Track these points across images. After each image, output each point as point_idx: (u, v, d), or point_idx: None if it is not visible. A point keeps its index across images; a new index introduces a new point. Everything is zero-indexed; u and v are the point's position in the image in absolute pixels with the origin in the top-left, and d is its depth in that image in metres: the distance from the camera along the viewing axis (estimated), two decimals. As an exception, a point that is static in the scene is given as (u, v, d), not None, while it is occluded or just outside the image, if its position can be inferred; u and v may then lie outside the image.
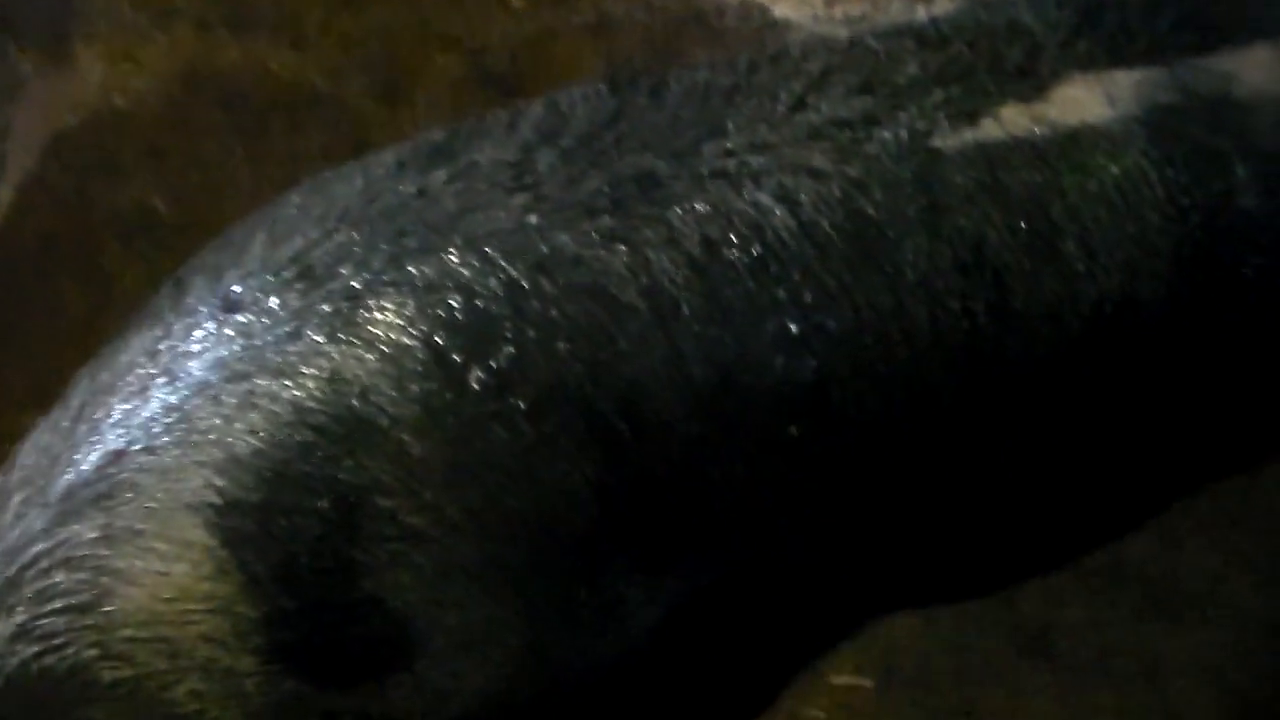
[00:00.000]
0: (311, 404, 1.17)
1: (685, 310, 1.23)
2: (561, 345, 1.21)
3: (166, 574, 1.15)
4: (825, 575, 1.41)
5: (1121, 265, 1.29)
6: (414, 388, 1.18)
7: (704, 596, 1.35)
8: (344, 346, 1.18)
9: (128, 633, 1.15)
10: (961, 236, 1.27)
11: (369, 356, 1.19)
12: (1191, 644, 1.80)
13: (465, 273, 1.21)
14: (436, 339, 1.19)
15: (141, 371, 1.23)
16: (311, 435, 1.17)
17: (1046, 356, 1.31)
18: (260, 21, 2.54)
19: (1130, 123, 1.30)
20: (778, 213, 1.25)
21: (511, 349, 1.20)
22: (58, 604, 1.16)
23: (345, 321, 1.19)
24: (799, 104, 1.31)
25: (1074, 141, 1.29)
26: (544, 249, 1.23)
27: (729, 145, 1.28)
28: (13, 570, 1.19)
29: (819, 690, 1.78)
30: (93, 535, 1.17)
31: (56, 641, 1.15)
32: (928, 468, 1.35)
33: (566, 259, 1.23)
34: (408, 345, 1.19)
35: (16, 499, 1.24)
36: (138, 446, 1.18)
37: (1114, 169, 1.29)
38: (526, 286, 1.21)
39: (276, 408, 1.18)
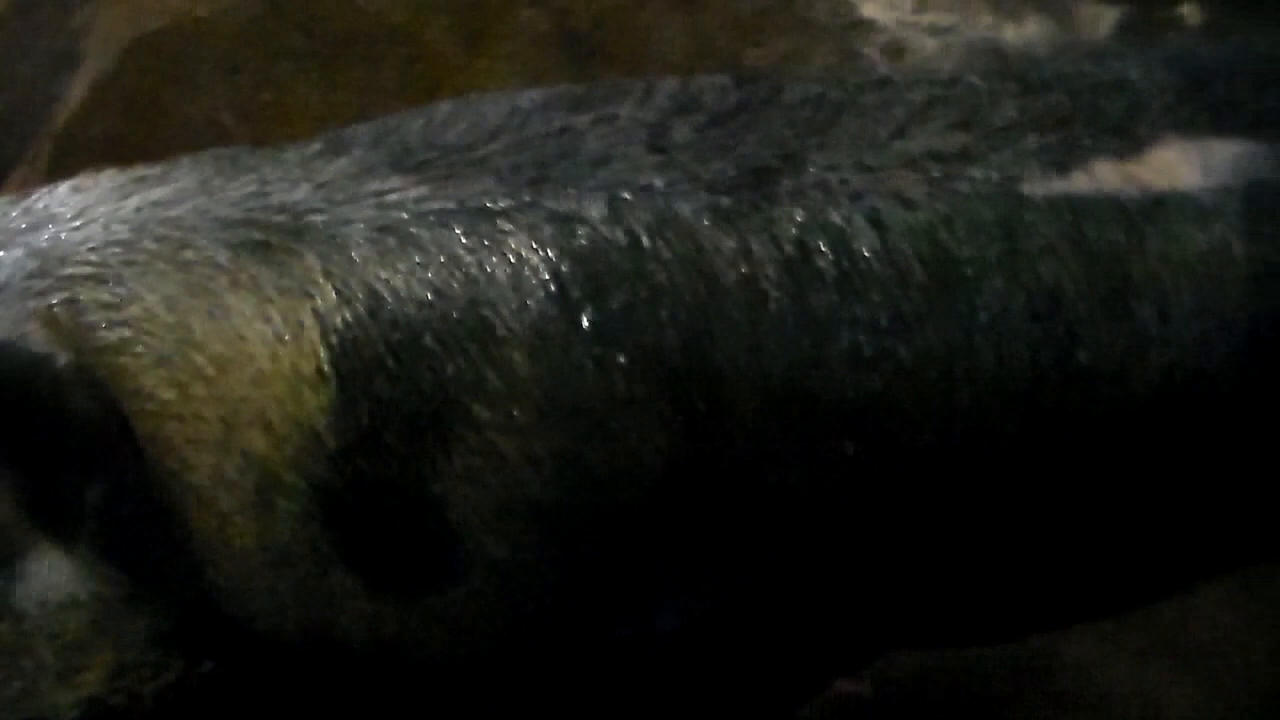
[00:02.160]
0: (444, 289, 1.18)
1: (773, 306, 1.23)
2: (664, 311, 1.21)
3: (266, 341, 1.16)
4: (845, 603, 1.41)
5: (1196, 336, 1.27)
6: (533, 308, 1.19)
7: (730, 604, 1.35)
8: (481, 250, 1.19)
9: (190, 361, 1.15)
10: (1039, 284, 1.25)
11: (501, 267, 1.19)
12: (1195, 697, 1.79)
13: (595, 215, 1.22)
14: (562, 268, 1.20)
15: (311, 184, 1.24)
16: (439, 318, 1.18)
17: (1107, 417, 1.29)
18: (350, -50, 2.59)
19: (1223, 194, 1.27)
20: (868, 233, 1.24)
21: (623, 299, 1.21)
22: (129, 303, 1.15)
23: (484, 227, 1.20)
24: (899, 132, 1.30)
25: (1163, 205, 1.26)
26: (667, 213, 1.23)
27: (833, 159, 1.28)
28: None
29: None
30: (225, 260, 1.17)
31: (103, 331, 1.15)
32: (970, 509, 1.34)
33: (683, 228, 1.23)
34: (536, 265, 1.19)
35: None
36: (299, 239, 1.19)
37: (1200, 238, 1.26)
38: (647, 245, 1.22)
39: (418, 278, 1.18)
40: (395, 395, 1.17)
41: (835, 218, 1.25)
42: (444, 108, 1.35)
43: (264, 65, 2.39)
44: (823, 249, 1.24)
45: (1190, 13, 2.41)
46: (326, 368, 1.16)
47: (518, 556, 1.23)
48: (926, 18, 2.40)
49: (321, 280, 1.18)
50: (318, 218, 1.20)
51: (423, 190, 1.23)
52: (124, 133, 2.30)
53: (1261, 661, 1.79)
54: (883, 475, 1.29)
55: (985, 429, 1.28)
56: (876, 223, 1.25)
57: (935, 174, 1.27)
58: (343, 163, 1.25)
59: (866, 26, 2.40)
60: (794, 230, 1.24)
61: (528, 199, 1.23)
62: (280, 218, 1.20)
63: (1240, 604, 1.82)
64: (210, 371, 1.15)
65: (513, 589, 1.25)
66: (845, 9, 2.42)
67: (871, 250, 1.24)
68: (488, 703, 1.39)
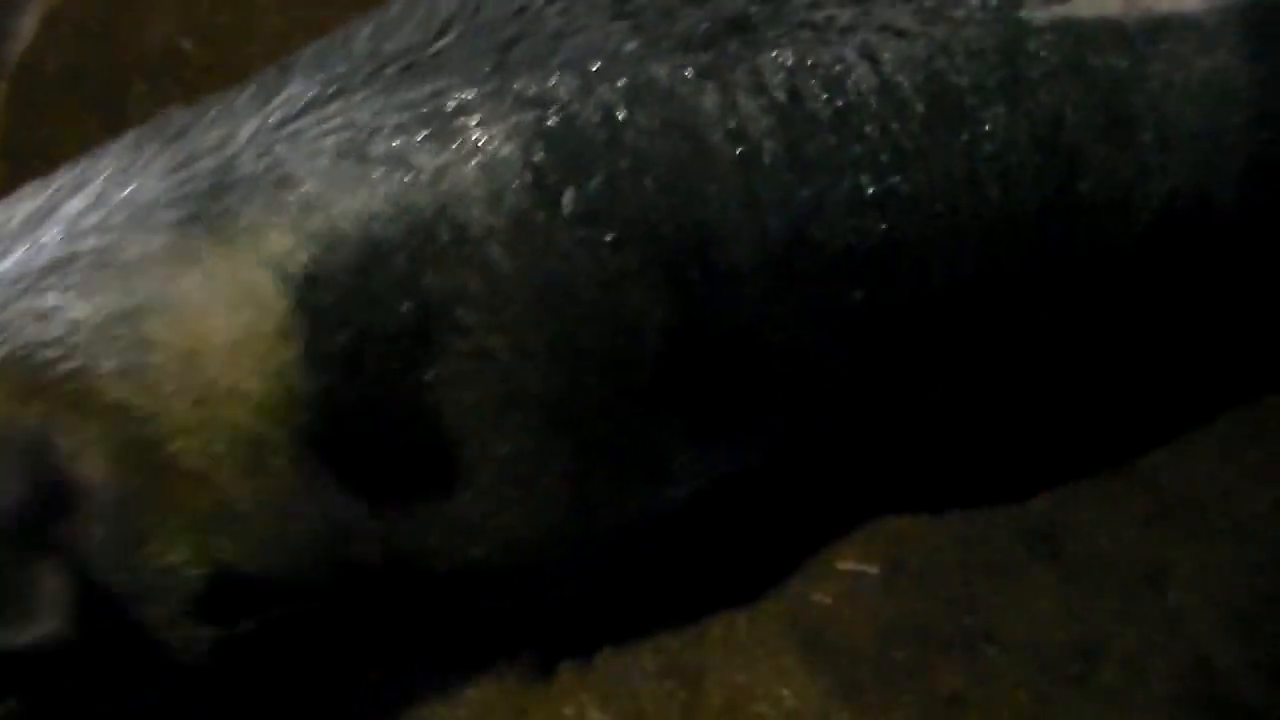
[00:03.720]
0: (410, 201, 1.15)
1: (767, 158, 1.19)
2: (649, 180, 1.18)
3: (219, 314, 1.13)
4: (853, 454, 1.38)
5: (1198, 162, 1.25)
6: (509, 201, 1.16)
7: (741, 476, 1.32)
8: (446, 152, 1.16)
9: (151, 363, 1.13)
10: (1041, 112, 1.22)
11: (469, 164, 1.16)
12: (1198, 554, 1.77)
13: (564, 93, 1.18)
14: (534, 156, 1.17)
15: (241, 136, 1.19)
16: (407, 232, 1.15)
17: (1111, 244, 1.28)
18: None
19: (1225, 16, 1.23)
20: (861, 69, 1.21)
21: (604, 176, 1.17)
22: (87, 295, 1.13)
23: (447, 126, 1.17)
24: None
25: (1164, 29, 1.23)
26: (641, 79, 1.19)
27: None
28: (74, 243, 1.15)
29: (826, 575, 1.75)
30: (158, 246, 1.14)
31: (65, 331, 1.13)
32: (981, 341, 1.33)
33: (660, 92, 1.19)
34: (506, 158, 1.16)
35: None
36: (233, 195, 1.16)
37: (1202, 63, 1.23)
38: (621, 116, 1.18)
39: (379, 197, 1.15)
40: (372, 320, 1.14)
41: (826, 56, 1.21)
42: (394, 8, 1.29)
43: None
44: (815, 91, 1.20)
45: None
46: (289, 319, 1.13)
47: (524, 448, 1.21)
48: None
49: (267, 231, 1.14)
50: (252, 167, 1.16)
51: (376, 104, 1.18)
52: (81, 64, 2.24)
53: (1259, 510, 1.78)
54: (891, 319, 1.26)
55: (993, 261, 1.26)
56: (869, 56, 1.21)
57: (930, 2, 1.22)
58: (281, 99, 1.21)
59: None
60: (783, 76, 1.20)
61: (490, 88, 1.18)
62: (207, 182, 1.16)
63: (1241, 456, 1.81)
64: (173, 367, 1.12)
65: (523, 480, 1.23)
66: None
67: (867, 86, 1.20)
68: (502, 599, 1.37)
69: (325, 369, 1.14)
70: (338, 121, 1.17)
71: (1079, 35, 1.22)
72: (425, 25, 1.24)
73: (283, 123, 1.18)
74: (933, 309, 1.28)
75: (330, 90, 1.20)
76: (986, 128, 1.22)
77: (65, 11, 2.28)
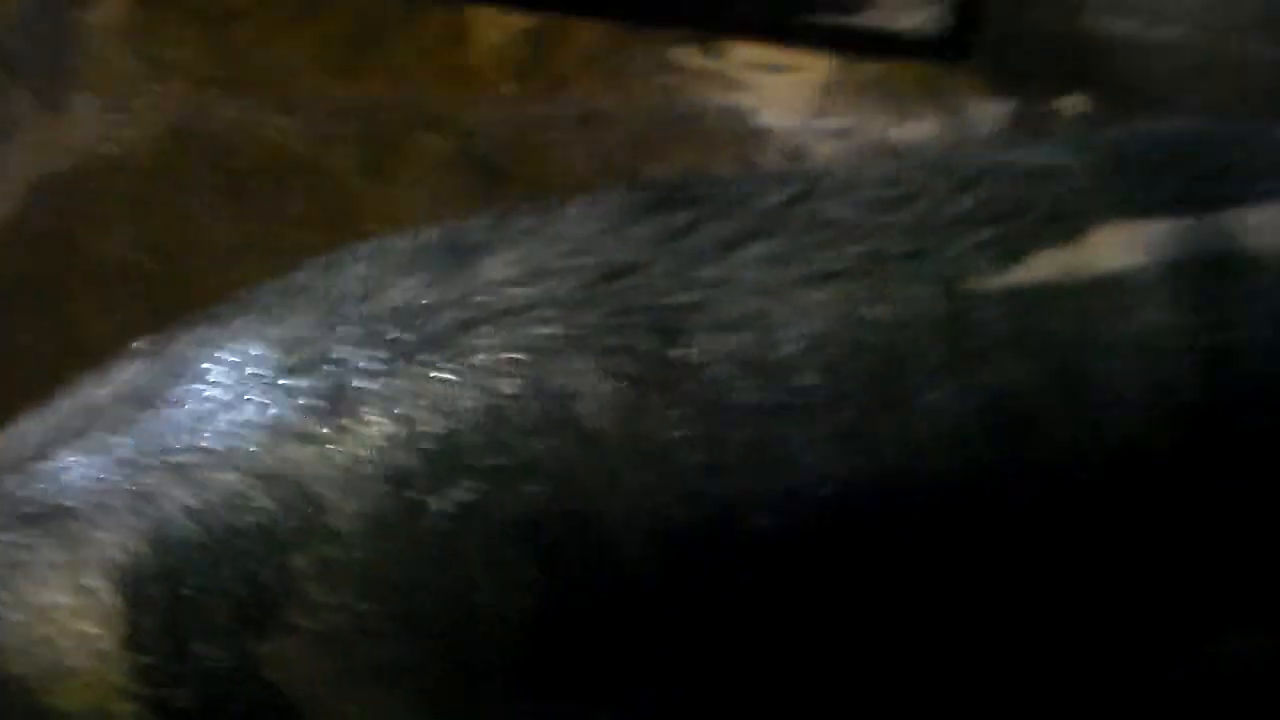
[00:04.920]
0: (262, 490, 1.12)
1: (683, 455, 1.15)
2: (533, 484, 1.14)
3: (55, 606, 1.12)
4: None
5: (1144, 411, 1.26)
6: (369, 503, 1.12)
7: None
8: (312, 443, 1.13)
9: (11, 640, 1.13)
10: (989, 381, 1.22)
11: (335, 456, 1.13)
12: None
13: (445, 389, 1.14)
14: (402, 452, 1.13)
15: (109, 414, 1.19)
16: (253, 522, 1.11)
17: (1065, 502, 1.27)
18: (253, 84, 2.57)
19: (1156, 273, 1.27)
20: (800, 354, 1.18)
21: (482, 476, 1.13)
22: None
23: (322, 417, 1.14)
24: (842, 235, 1.26)
25: (1104, 289, 1.26)
26: (540, 378, 1.16)
27: (757, 277, 1.22)
28: None
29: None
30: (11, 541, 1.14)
31: None
32: (922, 614, 1.27)
33: (553, 390, 1.15)
34: (372, 458, 1.13)
35: None
36: (84, 487, 1.15)
37: (1142, 319, 1.26)
38: (513, 414, 1.14)
39: (224, 487, 1.12)
40: (205, 610, 1.12)
41: (762, 343, 1.19)
42: (299, 278, 1.28)
43: (173, 200, 2.39)
44: (744, 382, 1.17)
45: (1073, 104, 2.51)
46: (124, 629, 1.11)
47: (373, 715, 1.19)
48: (823, 122, 2.48)
49: (100, 537, 1.13)
50: (86, 480, 1.16)
51: (256, 386, 1.16)
52: (35, 273, 2.27)
53: None
54: (807, 599, 1.23)
55: (939, 534, 1.24)
56: (812, 342, 1.19)
57: (881, 276, 1.23)
58: (117, 389, 1.21)
59: (765, 134, 2.47)
60: (706, 368, 1.17)
61: (368, 384, 1.15)
62: (39, 487, 1.16)
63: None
64: (33, 684, 1.12)
65: None
66: (744, 119, 2.49)
67: (809, 369, 1.18)
68: None
69: (155, 653, 1.12)
70: (212, 418, 1.16)
71: (1026, 300, 1.25)
72: (315, 307, 1.22)
73: (142, 414, 1.19)
74: (865, 587, 1.24)
75: (201, 380, 1.19)
76: (932, 400, 1.21)
77: (22, 220, 2.32)
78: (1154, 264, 1.28)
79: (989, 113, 2.51)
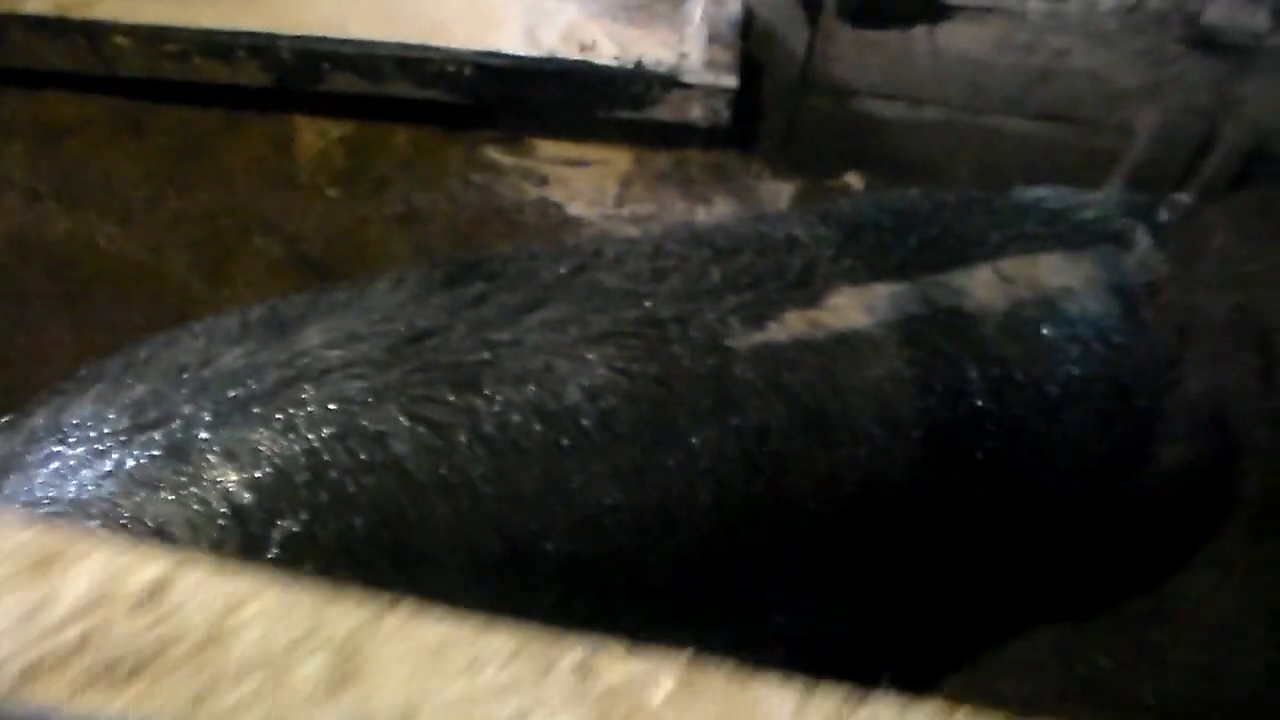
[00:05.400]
0: (121, 536, 1.19)
1: (485, 489, 1.29)
2: (357, 518, 1.26)
3: None
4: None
5: (881, 448, 1.44)
6: (216, 539, 1.22)
7: None
8: (164, 490, 1.23)
9: None
10: (748, 425, 1.39)
11: (185, 500, 1.23)
12: None
13: (275, 437, 1.26)
14: (241, 497, 1.23)
15: None
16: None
17: (813, 525, 1.44)
18: (89, 196, 2.65)
19: (887, 329, 1.46)
20: (581, 403, 1.34)
21: (306, 515, 1.25)
22: None
23: (171, 467, 1.24)
24: (617, 302, 1.41)
25: (844, 343, 1.43)
26: (356, 424, 1.28)
27: (542, 339, 1.37)
28: None
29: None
30: None
31: None
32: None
33: (370, 436, 1.28)
34: (215, 500, 1.23)
35: None
36: None
37: (875, 369, 1.44)
38: (328, 458, 1.26)
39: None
40: None
41: (547, 396, 1.34)
42: (141, 353, 1.38)
43: (14, 310, 2.43)
44: (534, 427, 1.32)
45: (853, 180, 2.73)
46: None
47: None
48: (627, 209, 2.63)
49: None
50: None
51: (103, 445, 1.26)
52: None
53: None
54: (602, 610, 1.36)
55: (706, 556, 1.40)
56: (590, 391, 1.35)
57: (650, 338, 1.39)
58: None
59: (575, 223, 2.61)
60: (501, 415, 1.31)
61: (208, 436, 1.26)
62: None
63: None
64: None
65: None
66: (554, 210, 2.64)
67: (587, 417, 1.34)
68: None
69: None
70: (61, 479, 1.25)
71: (776, 355, 1.41)
72: (162, 375, 1.33)
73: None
74: (644, 599, 1.39)
75: (57, 443, 1.28)
76: (699, 444, 1.37)
77: None
78: (885, 322, 1.47)
79: (775, 193, 2.69)
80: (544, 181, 2.70)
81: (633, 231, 2.58)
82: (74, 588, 0.68)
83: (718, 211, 2.64)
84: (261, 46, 2.57)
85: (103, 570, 0.69)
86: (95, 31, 2.58)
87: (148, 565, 0.69)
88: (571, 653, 0.68)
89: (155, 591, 0.68)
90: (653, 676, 0.68)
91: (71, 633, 0.66)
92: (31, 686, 0.63)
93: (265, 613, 0.68)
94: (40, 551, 0.69)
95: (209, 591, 0.69)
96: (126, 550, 0.70)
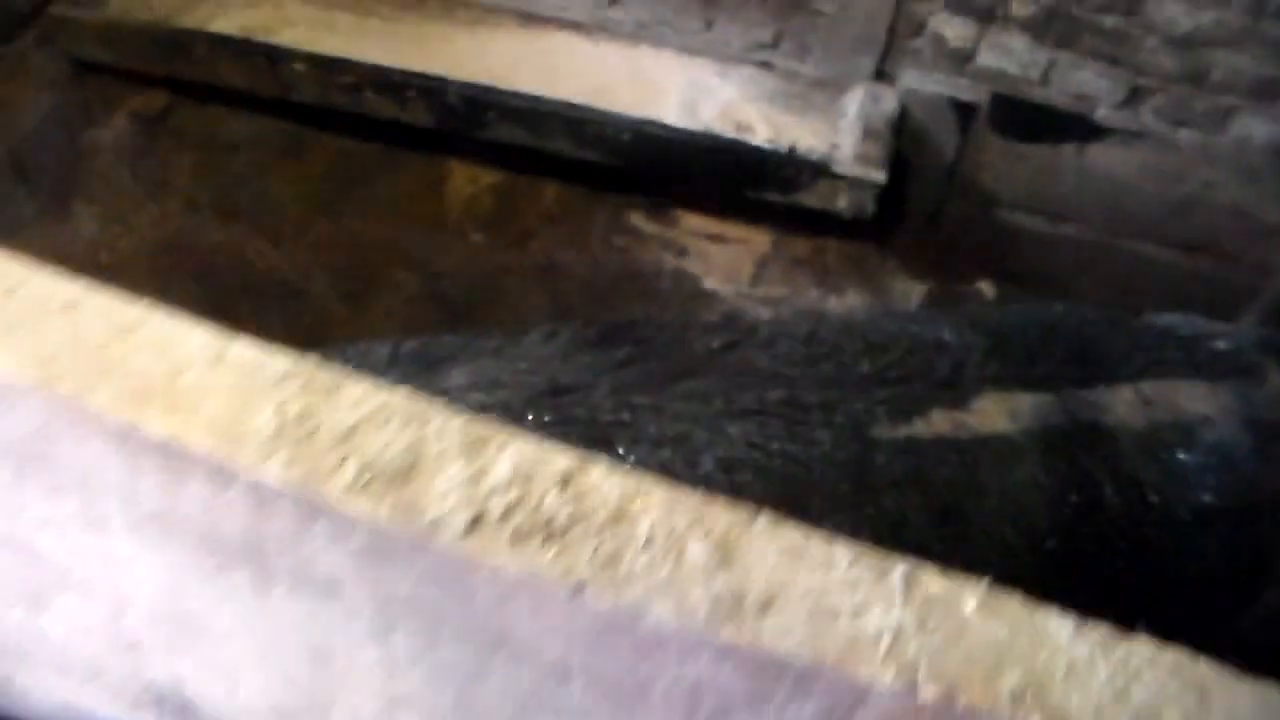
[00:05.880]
0: None
1: None
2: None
3: None
4: None
5: (1013, 552, 1.45)
6: None
7: None
8: None
9: None
10: (884, 514, 1.40)
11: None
12: None
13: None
14: None
15: None
16: None
17: None
18: (243, 212, 2.76)
19: (1028, 436, 1.48)
20: (714, 473, 1.35)
21: None
22: None
23: None
24: (764, 381, 1.44)
25: (985, 446, 1.46)
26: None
27: (684, 408, 1.39)
28: None
29: None
30: None
31: None
32: None
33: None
34: None
35: None
36: None
37: (1015, 473, 1.46)
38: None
39: None
40: None
41: (680, 465, 1.35)
42: None
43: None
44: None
45: (984, 288, 2.77)
46: None
47: None
48: (761, 290, 2.68)
49: None
50: None
51: None
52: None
53: None
54: None
55: None
56: (727, 464, 1.36)
57: (795, 420, 1.41)
58: None
59: (708, 297, 2.66)
60: None
61: None
62: None
63: None
64: None
65: None
66: (689, 282, 2.69)
67: (721, 490, 1.31)
68: None
69: None
70: None
71: (919, 450, 1.44)
72: None
73: None
74: None
75: None
76: (832, 529, 1.38)
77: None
78: (1027, 429, 1.49)
79: (907, 290, 2.73)
80: (683, 253, 2.75)
81: (764, 312, 2.63)
82: (503, 466, 0.83)
83: (849, 301, 2.68)
84: (432, 88, 2.65)
85: (522, 456, 0.84)
86: (277, 56, 2.68)
87: (560, 457, 0.84)
88: (900, 565, 0.87)
89: (568, 476, 0.83)
90: (963, 593, 0.86)
91: (506, 498, 0.81)
92: (476, 534, 0.79)
93: (658, 504, 0.83)
94: (471, 435, 0.85)
95: (611, 483, 0.84)
96: (538, 443, 0.85)
